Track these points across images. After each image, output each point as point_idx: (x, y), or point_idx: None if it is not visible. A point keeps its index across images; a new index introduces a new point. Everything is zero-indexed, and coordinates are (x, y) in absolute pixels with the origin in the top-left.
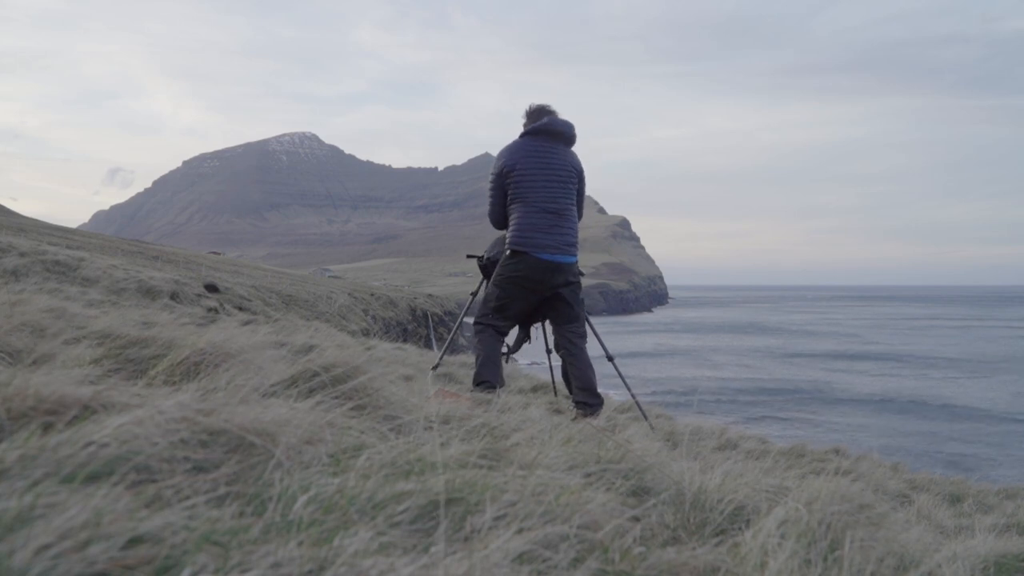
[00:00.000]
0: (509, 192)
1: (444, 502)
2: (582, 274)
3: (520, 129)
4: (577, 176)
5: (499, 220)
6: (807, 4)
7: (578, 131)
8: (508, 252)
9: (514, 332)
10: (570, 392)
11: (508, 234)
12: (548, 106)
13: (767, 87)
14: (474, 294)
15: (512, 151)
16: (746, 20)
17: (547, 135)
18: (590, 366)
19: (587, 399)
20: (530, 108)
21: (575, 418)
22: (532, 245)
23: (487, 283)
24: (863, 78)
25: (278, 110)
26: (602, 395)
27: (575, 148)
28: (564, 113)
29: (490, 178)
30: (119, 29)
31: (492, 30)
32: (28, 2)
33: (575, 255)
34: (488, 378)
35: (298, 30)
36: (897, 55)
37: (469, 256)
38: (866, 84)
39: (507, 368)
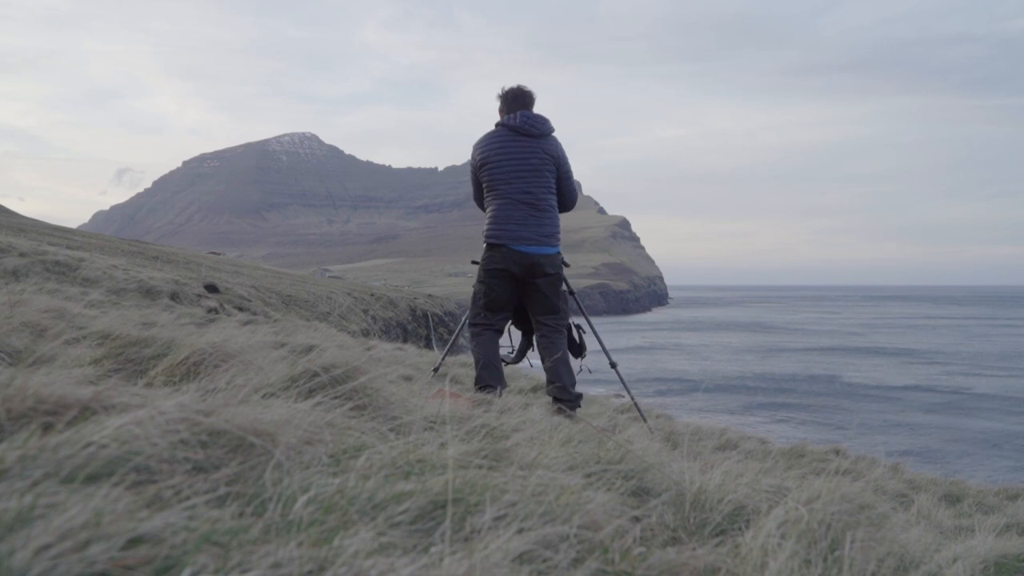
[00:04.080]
0: (484, 184)
1: (444, 502)
2: (566, 264)
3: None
4: (554, 163)
5: (481, 205)
6: (813, 3)
7: (556, 123)
8: (485, 246)
9: (517, 340)
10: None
11: (484, 227)
12: (524, 87)
13: (772, 87)
14: None
15: (484, 144)
16: (752, 19)
17: (518, 132)
18: (564, 362)
19: (558, 394)
20: (505, 92)
21: (553, 413)
22: (508, 237)
23: None
24: (869, 78)
25: (282, 110)
26: (578, 393)
27: (557, 135)
28: (567, 113)
29: (472, 167)
30: (124, 28)
31: (498, 29)
32: (33, 1)
33: (555, 246)
34: (490, 382)
35: (303, 29)
36: (903, 55)
37: (474, 262)
38: (872, 84)
39: (506, 369)
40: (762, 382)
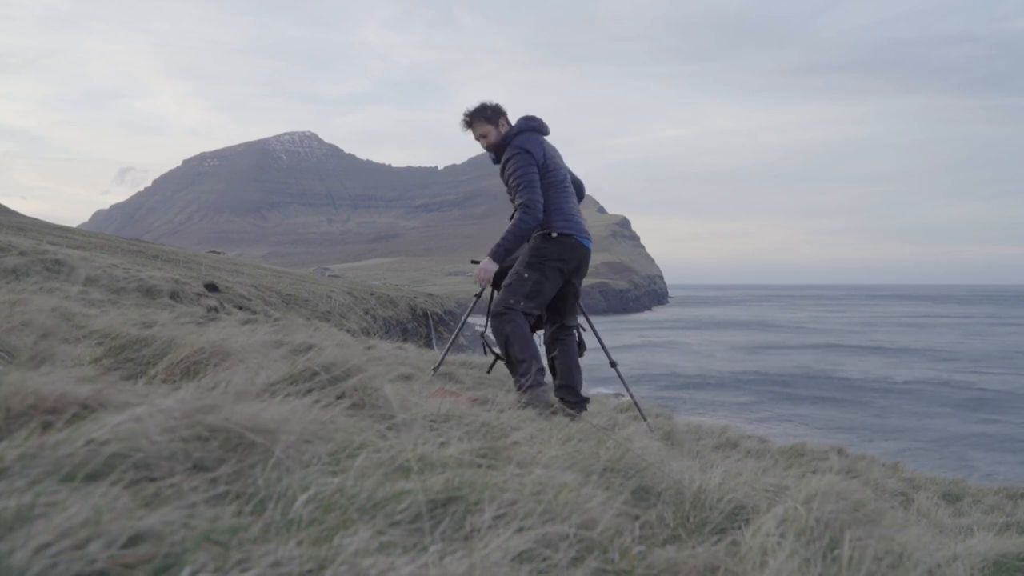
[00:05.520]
0: (544, 182)
1: (444, 501)
2: None
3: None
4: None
5: (542, 207)
6: (813, 3)
7: (556, 124)
8: (554, 235)
9: None
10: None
11: (550, 218)
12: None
13: (772, 87)
14: (478, 296)
15: (539, 144)
16: (752, 19)
17: (543, 133)
18: (576, 364)
19: (566, 396)
20: (494, 106)
21: (554, 411)
22: (577, 230)
23: (492, 288)
24: (869, 78)
25: (282, 110)
26: (585, 397)
27: (555, 136)
28: (567, 112)
29: (530, 168)
30: (124, 28)
31: (498, 30)
32: (33, 1)
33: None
34: (541, 365)
35: (303, 29)
36: (903, 55)
37: (474, 262)
38: (872, 84)
39: (505, 368)
40: (763, 380)
